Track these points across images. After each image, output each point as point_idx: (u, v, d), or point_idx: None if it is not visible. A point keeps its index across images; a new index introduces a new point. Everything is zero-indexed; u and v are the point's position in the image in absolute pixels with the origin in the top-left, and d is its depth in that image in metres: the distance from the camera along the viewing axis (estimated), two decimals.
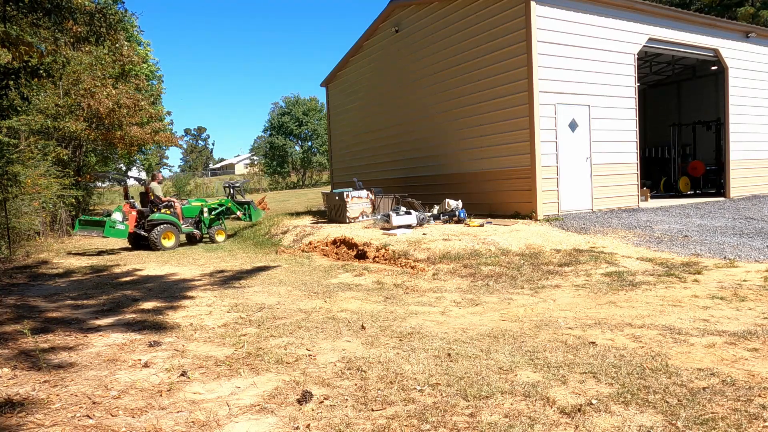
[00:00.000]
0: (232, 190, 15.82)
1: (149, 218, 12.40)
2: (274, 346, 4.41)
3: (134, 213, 12.43)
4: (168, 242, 12.43)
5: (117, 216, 12.06)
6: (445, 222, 11.08)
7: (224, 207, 14.16)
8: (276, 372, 3.79)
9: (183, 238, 13.54)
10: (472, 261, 7.97)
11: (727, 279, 6.30)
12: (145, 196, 12.98)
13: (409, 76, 14.88)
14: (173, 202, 13.14)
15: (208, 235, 13.75)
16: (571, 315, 5.20)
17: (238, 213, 14.45)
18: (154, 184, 13.07)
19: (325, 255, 10.02)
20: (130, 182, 15.05)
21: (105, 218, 11.98)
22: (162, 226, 12.36)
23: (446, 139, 13.52)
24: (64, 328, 5.19)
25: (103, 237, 12.20)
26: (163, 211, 12.67)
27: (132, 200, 12.84)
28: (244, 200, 15.34)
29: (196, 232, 13.49)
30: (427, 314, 5.50)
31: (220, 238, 13.66)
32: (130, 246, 12.94)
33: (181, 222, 13.02)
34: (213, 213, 13.94)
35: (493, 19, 11.62)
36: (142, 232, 12.42)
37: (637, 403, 3.05)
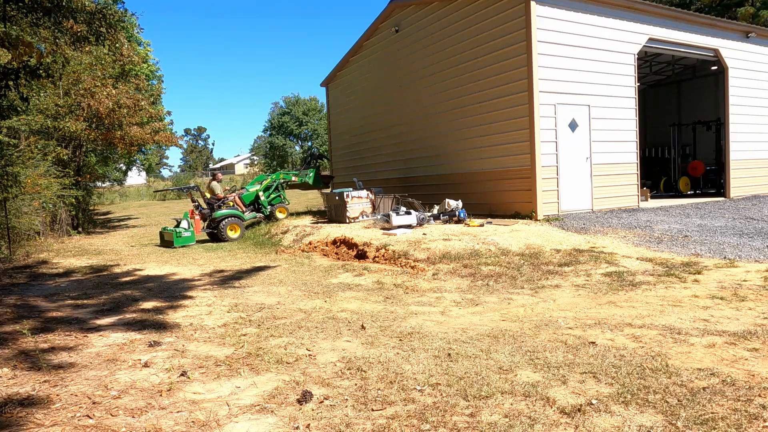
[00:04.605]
0: (310, 158, 17.33)
1: (213, 216, 13.25)
2: (274, 346, 4.41)
3: (197, 217, 13.37)
4: (234, 234, 13.24)
5: (183, 224, 13.02)
6: (445, 222, 11.08)
7: (278, 182, 15.05)
8: (276, 372, 3.79)
9: (252, 222, 14.44)
10: (472, 261, 7.97)
11: (727, 279, 6.30)
12: (204, 196, 13.82)
13: (409, 76, 14.88)
14: (229, 197, 13.79)
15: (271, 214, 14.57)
16: (571, 315, 5.20)
17: (293, 178, 15.36)
18: (214, 183, 13.97)
19: (325, 255, 10.02)
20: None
21: (173, 230, 12.75)
22: (226, 221, 13.20)
23: (446, 139, 13.52)
24: (64, 328, 5.19)
25: (176, 247, 12.80)
26: (224, 206, 13.46)
27: (196, 203, 13.70)
28: (312, 166, 16.35)
29: (259, 215, 14.36)
30: (427, 314, 5.50)
31: (280, 215, 14.48)
32: (209, 238, 13.65)
33: (245, 211, 13.87)
34: (270, 191, 14.74)
35: (493, 19, 11.61)
36: (211, 230, 13.33)
37: (637, 403, 3.05)
